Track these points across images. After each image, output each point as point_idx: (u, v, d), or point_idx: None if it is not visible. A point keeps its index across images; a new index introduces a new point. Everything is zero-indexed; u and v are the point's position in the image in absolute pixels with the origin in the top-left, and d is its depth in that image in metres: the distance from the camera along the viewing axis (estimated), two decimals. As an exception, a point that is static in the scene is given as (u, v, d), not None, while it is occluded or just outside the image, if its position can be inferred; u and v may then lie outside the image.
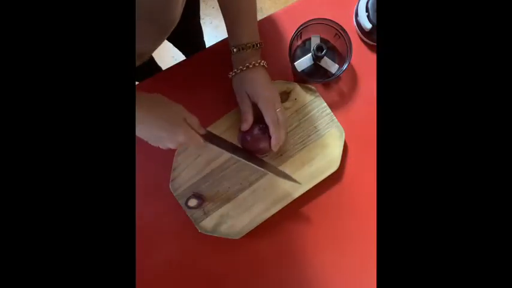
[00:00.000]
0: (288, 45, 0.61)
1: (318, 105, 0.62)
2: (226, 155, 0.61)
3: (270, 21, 0.67)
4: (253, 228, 0.61)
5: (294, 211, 0.62)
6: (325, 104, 0.62)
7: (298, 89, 0.63)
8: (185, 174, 0.62)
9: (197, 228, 0.61)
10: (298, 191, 0.61)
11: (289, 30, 0.67)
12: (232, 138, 0.62)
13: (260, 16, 1.51)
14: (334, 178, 0.62)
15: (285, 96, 0.63)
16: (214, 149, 0.55)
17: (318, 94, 0.62)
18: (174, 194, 0.61)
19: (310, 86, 0.63)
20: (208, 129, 0.61)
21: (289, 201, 0.61)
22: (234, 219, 0.61)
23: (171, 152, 0.63)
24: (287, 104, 0.63)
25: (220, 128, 0.63)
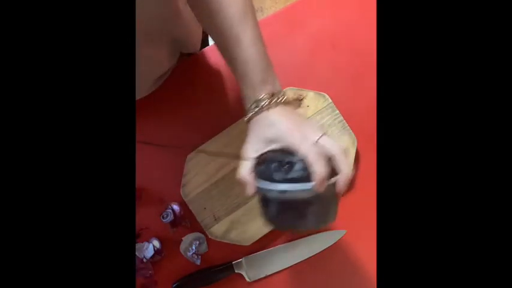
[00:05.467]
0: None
1: (330, 113, 0.62)
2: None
3: (270, 21, 0.67)
4: (264, 234, 0.61)
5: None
6: (338, 111, 0.62)
7: (311, 95, 0.63)
8: (196, 180, 0.61)
9: (207, 234, 0.60)
10: None
11: (290, 30, 0.67)
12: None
13: (260, 16, 1.52)
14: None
15: (296, 103, 0.63)
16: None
17: (330, 101, 0.62)
18: (185, 200, 0.61)
19: (322, 93, 0.63)
20: (219, 136, 0.61)
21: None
22: (245, 225, 0.60)
23: (181, 156, 0.63)
24: (299, 111, 0.63)
25: (232, 133, 0.62)
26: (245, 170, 0.45)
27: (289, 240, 0.62)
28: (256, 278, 0.60)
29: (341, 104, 0.63)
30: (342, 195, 0.56)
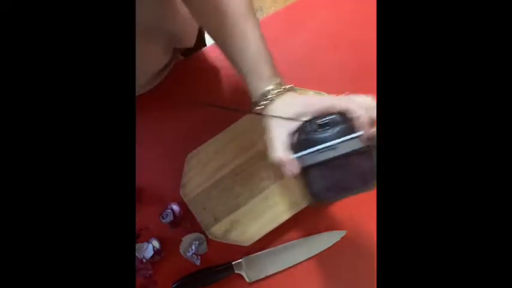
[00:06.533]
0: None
1: None
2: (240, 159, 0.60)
3: (270, 21, 0.67)
4: (263, 235, 0.60)
5: (305, 218, 0.62)
6: None
7: (311, 95, 0.63)
8: (196, 180, 0.61)
9: (207, 234, 0.60)
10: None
11: (290, 30, 0.67)
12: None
13: (260, 15, 1.52)
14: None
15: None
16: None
17: None
18: (185, 200, 0.61)
19: (322, 92, 0.63)
20: (219, 136, 0.61)
21: (300, 208, 0.61)
22: (245, 225, 0.60)
23: (181, 157, 0.62)
24: None
25: (233, 132, 0.62)
26: (279, 150, 0.42)
27: (289, 241, 0.61)
28: (256, 279, 0.60)
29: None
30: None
